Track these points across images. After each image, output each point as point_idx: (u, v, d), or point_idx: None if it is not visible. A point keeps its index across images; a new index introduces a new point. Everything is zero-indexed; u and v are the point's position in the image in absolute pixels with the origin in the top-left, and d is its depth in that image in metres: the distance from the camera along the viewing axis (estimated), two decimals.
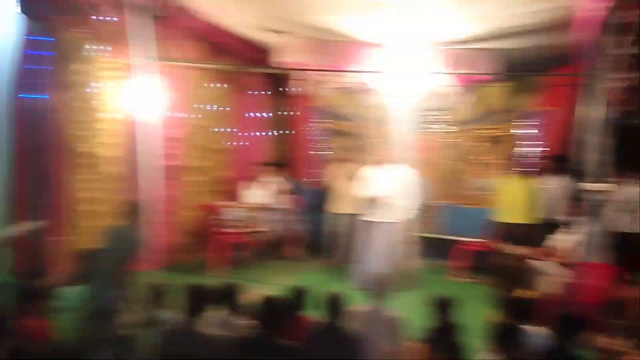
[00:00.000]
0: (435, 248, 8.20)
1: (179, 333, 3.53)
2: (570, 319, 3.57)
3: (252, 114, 8.64)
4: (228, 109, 8.09)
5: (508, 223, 7.03)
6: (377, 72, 6.35)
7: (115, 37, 6.05)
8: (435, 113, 7.99)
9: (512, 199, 7.01)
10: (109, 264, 4.31)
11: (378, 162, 6.66)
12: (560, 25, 5.05)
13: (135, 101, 6.11)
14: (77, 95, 5.79)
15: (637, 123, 4.21)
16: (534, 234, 6.98)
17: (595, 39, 4.44)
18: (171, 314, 4.02)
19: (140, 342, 3.86)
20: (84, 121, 5.89)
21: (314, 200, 8.80)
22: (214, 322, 3.89)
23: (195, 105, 7.40)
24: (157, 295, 4.07)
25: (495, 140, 7.71)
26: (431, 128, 8.12)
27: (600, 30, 4.34)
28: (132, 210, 4.62)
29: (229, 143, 8.19)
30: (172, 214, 7.22)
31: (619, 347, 4.19)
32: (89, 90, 5.95)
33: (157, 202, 6.89)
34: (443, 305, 4.06)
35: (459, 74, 6.31)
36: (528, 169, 7.40)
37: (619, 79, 4.23)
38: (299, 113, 8.82)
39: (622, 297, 5.19)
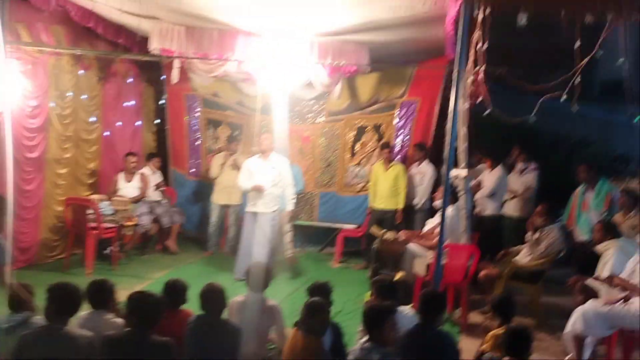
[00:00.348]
0: (315, 236, 8.41)
1: (46, 335, 3.29)
2: (434, 298, 3.78)
3: (124, 103, 8.22)
4: (98, 97, 7.62)
5: (380, 209, 7.39)
6: (253, 61, 6.32)
7: None
8: (310, 103, 8.14)
9: (383, 186, 7.38)
10: None
11: (257, 152, 6.65)
12: (428, 18, 5.34)
13: None
14: None
15: (491, 113, 4.60)
16: (403, 218, 7.41)
17: (454, 34, 4.78)
18: (37, 316, 3.75)
19: (3, 347, 3.56)
20: None
21: (193, 191, 8.63)
22: (85, 321, 3.69)
23: (60, 94, 6.88)
24: (21, 296, 3.75)
25: (366, 129, 8.02)
26: (307, 118, 8.26)
27: (455, 26, 4.68)
28: None
29: (99, 133, 7.72)
30: (36, 209, 6.70)
31: (484, 321, 4.55)
32: None
33: (19, 196, 6.38)
34: (320, 291, 4.15)
35: (331, 64, 6.45)
36: (396, 157, 7.81)
37: (474, 72, 4.60)
38: (176, 102, 8.54)
39: (484, 275, 5.67)
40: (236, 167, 7.31)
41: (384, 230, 6.71)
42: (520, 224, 6.84)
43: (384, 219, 7.31)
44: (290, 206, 6.69)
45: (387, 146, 7.50)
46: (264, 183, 6.44)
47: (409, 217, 7.47)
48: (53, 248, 7.01)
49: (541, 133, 8.84)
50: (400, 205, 7.35)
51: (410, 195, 7.42)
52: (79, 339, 3.28)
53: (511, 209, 7.23)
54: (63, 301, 3.42)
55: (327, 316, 3.82)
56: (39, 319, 3.68)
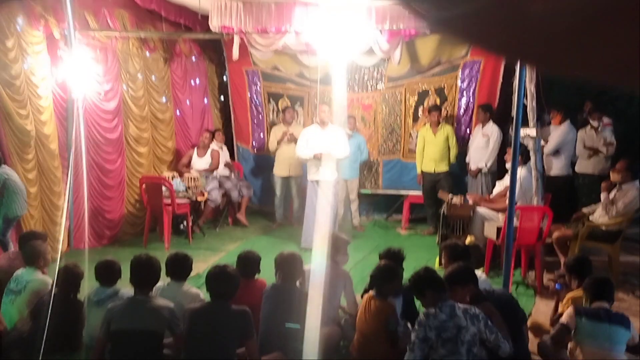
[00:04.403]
0: (381, 204, 8.42)
1: (132, 306, 3.51)
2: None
3: (190, 82, 8.45)
4: (166, 78, 7.87)
5: (432, 172, 7.30)
6: (311, 31, 6.30)
7: (46, 10, 5.75)
8: (370, 70, 8.05)
9: (432, 150, 7.28)
10: None
11: (319, 123, 6.69)
12: None
13: (68, 75, 5.86)
14: (12, 73, 5.50)
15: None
16: (466, 182, 7.29)
17: None
18: (123, 289, 4.00)
19: (94, 318, 3.83)
20: (22, 99, 5.62)
21: (257, 165, 8.81)
22: (164, 292, 3.90)
23: (131, 77, 7.15)
24: (108, 271, 4.01)
25: (428, 93, 7.86)
26: (367, 85, 8.18)
27: None
28: None
29: (172, 113, 8.00)
30: (120, 187, 7.08)
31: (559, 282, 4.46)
32: (25, 66, 5.65)
33: (103, 176, 6.76)
34: (393, 257, 4.19)
35: (389, 29, 6.33)
36: (461, 119, 7.63)
37: None
38: (237, 78, 8.67)
39: (559, 236, 5.53)
40: (293, 140, 7.39)
41: (448, 193, 6.63)
42: (599, 183, 6.57)
43: (436, 182, 7.24)
44: (354, 175, 6.70)
45: (436, 109, 7.33)
46: (322, 151, 6.48)
47: (475, 180, 7.33)
48: (136, 224, 7.40)
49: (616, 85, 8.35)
50: (452, 162, 7.31)
51: (475, 158, 7.27)
52: (161, 309, 3.49)
53: (589, 167, 6.90)
54: (145, 273, 3.63)
55: (399, 280, 3.87)
56: (126, 291, 3.93)
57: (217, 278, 3.42)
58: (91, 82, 6.22)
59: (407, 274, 3.79)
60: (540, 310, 4.71)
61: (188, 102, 8.38)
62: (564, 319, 3.48)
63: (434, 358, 3.18)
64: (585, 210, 5.97)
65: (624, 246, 5.62)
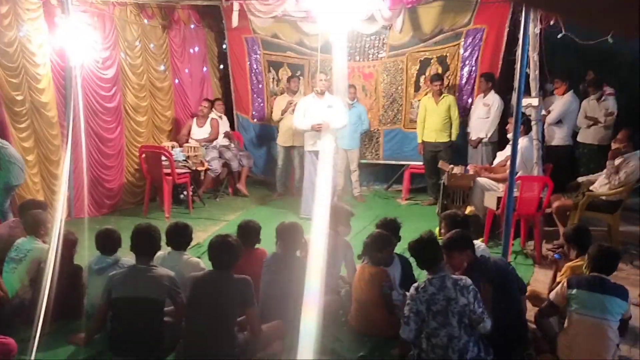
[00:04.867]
0: (381, 174, 8.41)
1: (133, 274, 3.54)
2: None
3: (188, 50, 8.34)
4: (165, 46, 7.77)
5: (432, 142, 7.26)
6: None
7: None
8: (371, 38, 7.93)
9: (433, 120, 7.21)
10: None
11: (318, 92, 6.63)
12: None
13: (66, 42, 5.79)
14: (5, 40, 5.43)
15: (565, 36, 4.34)
16: (466, 152, 7.25)
17: None
18: (123, 258, 4.02)
19: (95, 287, 3.87)
20: (15, 67, 5.56)
21: (257, 134, 8.76)
22: (164, 261, 3.93)
23: (129, 44, 7.06)
24: (108, 240, 4.03)
25: (430, 62, 7.76)
26: (368, 54, 8.07)
27: None
28: None
29: (170, 81, 7.92)
30: (119, 157, 7.07)
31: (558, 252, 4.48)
32: (21, 34, 5.57)
33: (102, 145, 6.73)
34: (389, 226, 4.20)
35: None
36: (463, 88, 7.56)
37: None
38: (236, 46, 8.56)
39: (558, 206, 5.53)
40: (296, 108, 7.33)
41: (447, 163, 6.61)
42: (599, 153, 6.54)
43: (437, 152, 7.20)
44: (354, 145, 6.66)
45: (438, 78, 7.23)
46: (320, 122, 6.43)
47: (475, 150, 7.29)
48: (135, 194, 7.40)
49: (619, 54, 8.26)
50: (454, 137, 7.21)
51: (476, 128, 7.22)
52: (162, 278, 3.52)
53: (589, 137, 6.87)
54: (146, 242, 3.65)
55: (391, 248, 3.89)
56: (126, 260, 3.95)
57: (219, 247, 3.43)
58: (89, 49, 6.14)
59: (405, 245, 3.82)
60: (538, 280, 4.75)
61: (187, 71, 8.28)
62: (552, 295, 3.50)
63: (426, 330, 3.22)
64: (580, 179, 5.96)
65: (624, 216, 5.63)
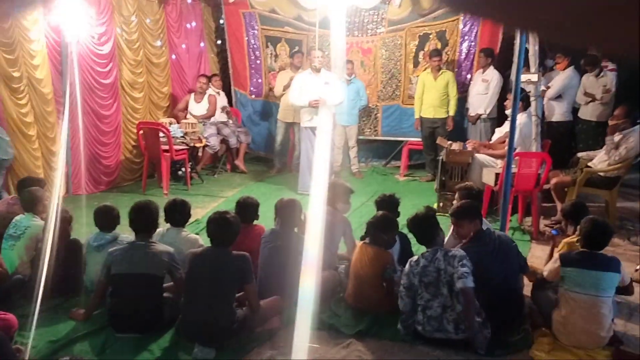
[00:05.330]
0: (380, 150, 8.40)
1: (132, 251, 3.55)
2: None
3: (185, 25, 8.24)
4: (161, 20, 7.67)
5: (430, 118, 7.23)
6: None
7: None
8: (370, 13, 7.84)
9: (432, 95, 7.17)
10: None
11: (315, 69, 6.57)
12: None
13: (61, 18, 5.71)
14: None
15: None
16: (465, 128, 7.22)
17: None
18: (122, 234, 4.03)
19: (94, 263, 3.88)
20: (11, 42, 5.50)
21: (255, 110, 8.72)
22: (163, 237, 3.94)
23: (124, 19, 6.96)
24: (106, 216, 4.04)
25: (429, 37, 7.68)
26: (367, 29, 7.98)
27: None
28: None
29: (167, 57, 7.83)
30: (116, 133, 7.03)
31: (555, 228, 4.49)
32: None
33: (99, 122, 6.69)
34: (388, 203, 4.21)
35: None
36: (462, 64, 7.50)
37: None
38: (234, 21, 8.46)
39: (556, 183, 5.54)
40: (294, 84, 7.28)
41: (450, 141, 6.59)
42: (597, 129, 6.52)
43: (435, 128, 7.18)
44: (352, 121, 6.62)
45: (437, 53, 7.16)
46: (317, 98, 6.40)
47: (474, 126, 7.27)
48: (133, 170, 7.39)
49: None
50: (452, 112, 7.17)
51: (475, 104, 7.19)
52: (161, 254, 3.53)
53: (588, 113, 6.84)
54: (145, 218, 3.66)
55: (395, 230, 3.91)
56: (125, 237, 3.96)
57: (218, 224, 3.44)
58: (84, 25, 6.06)
59: (404, 220, 3.83)
60: (535, 256, 4.77)
61: (184, 46, 8.19)
62: (545, 271, 3.52)
63: (420, 303, 3.27)
64: (579, 154, 5.95)
65: (622, 192, 5.64)
